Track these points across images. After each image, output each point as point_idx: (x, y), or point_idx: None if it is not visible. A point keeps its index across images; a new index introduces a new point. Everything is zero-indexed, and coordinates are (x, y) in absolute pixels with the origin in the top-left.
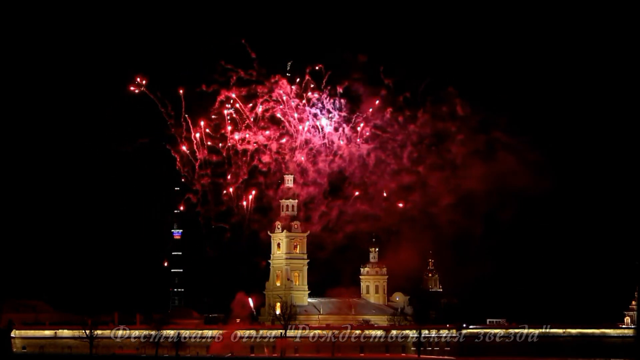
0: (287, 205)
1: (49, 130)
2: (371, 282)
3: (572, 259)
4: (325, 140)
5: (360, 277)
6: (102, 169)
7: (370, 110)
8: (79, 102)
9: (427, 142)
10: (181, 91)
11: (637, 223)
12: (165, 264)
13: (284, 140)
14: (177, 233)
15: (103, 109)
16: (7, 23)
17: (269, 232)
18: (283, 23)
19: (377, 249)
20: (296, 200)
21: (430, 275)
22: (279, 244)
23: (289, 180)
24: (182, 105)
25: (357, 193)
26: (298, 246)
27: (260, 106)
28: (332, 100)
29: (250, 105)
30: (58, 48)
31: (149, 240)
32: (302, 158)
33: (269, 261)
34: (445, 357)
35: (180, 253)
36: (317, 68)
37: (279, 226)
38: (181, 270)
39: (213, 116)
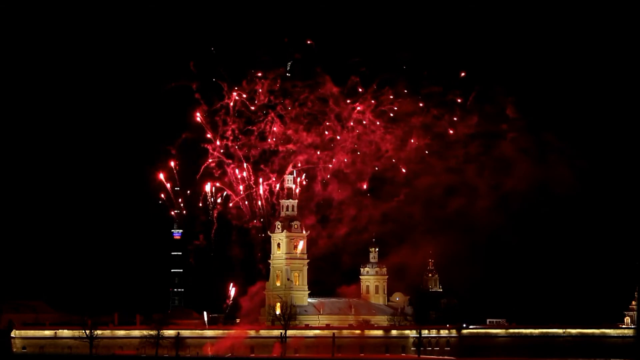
0: (287, 206)
1: (50, 130)
2: (371, 282)
3: (572, 259)
4: (373, 146)
5: (360, 277)
6: (102, 169)
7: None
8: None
9: (475, 142)
10: (224, 86)
11: (637, 223)
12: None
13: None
14: (177, 233)
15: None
16: (49, 17)
17: (269, 232)
18: (327, 25)
19: (377, 249)
20: (296, 201)
21: (430, 275)
22: (279, 244)
23: (288, 181)
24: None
25: (401, 196)
26: (298, 246)
27: (302, 106)
28: (376, 103)
29: (293, 105)
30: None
31: (149, 240)
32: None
33: (269, 261)
34: (445, 357)
35: (180, 253)
36: (361, 70)
37: (279, 226)
38: (181, 270)
39: (253, 113)
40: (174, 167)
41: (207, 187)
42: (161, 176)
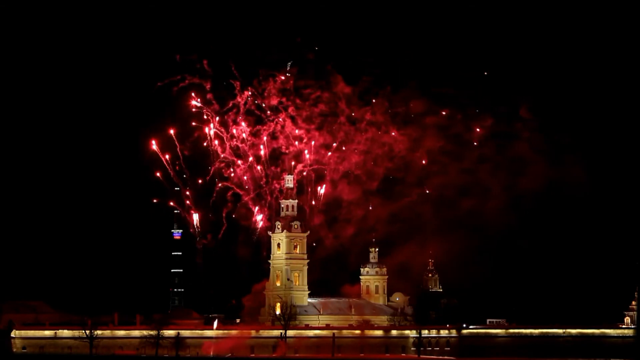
0: (287, 206)
1: (50, 130)
2: (371, 282)
3: (572, 259)
4: (385, 147)
5: (360, 277)
6: (104, 169)
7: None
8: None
9: (489, 142)
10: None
11: (637, 223)
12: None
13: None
14: (177, 234)
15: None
16: (56, 14)
17: (269, 232)
18: (340, 25)
19: (377, 249)
20: (296, 201)
21: (430, 275)
22: (279, 244)
23: (289, 181)
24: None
25: (412, 196)
26: (298, 246)
27: (314, 106)
28: (388, 104)
29: (304, 105)
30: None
31: (149, 240)
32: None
33: (269, 261)
34: (445, 357)
35: (180, 253)
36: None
37: (279, 226)
38: (181, 270)
39: (264, 112)
40: (173, 135)
41: (209, 131)
42: (154, 144)
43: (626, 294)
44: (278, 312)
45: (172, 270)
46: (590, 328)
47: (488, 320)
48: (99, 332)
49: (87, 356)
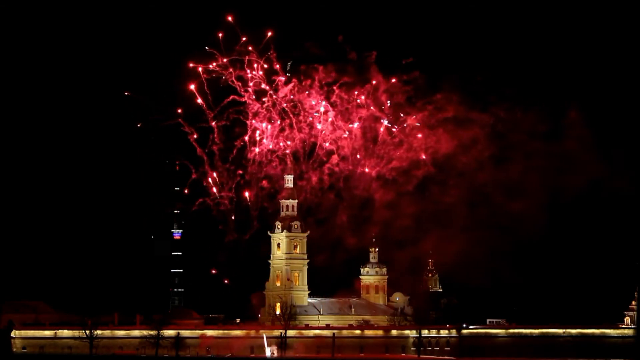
0: (287, 205)
1: (52, 129)
2: (371, 282)
3: (573, 259)
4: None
5: (361, 277)
6: (103, 167)
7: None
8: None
9: (534, 142)
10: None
11: (637, 223)
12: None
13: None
14: (177, 233)
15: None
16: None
17: (268, 232)
18: (378, 21)
19: (376, 249)
20: (296, 201)
21: (430, 275)
22: (279, 244)
23: (288, 181)
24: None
25: (447, 197)
26: (298, 246)
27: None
28: (432, 107)
29: (343, 103)
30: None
31: (149, 240)
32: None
33: (269, 261)
34: (445, 357)
35: (180, 253)
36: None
37: (279, 226)
38: (181, 270)
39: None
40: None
41: (249, 127)
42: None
43: (626, 294)
44: (278, 312)
45: (172, 270)
46: (590, 328)
47: (488, 320)
48: (99, 332)
49: (87, 356)
